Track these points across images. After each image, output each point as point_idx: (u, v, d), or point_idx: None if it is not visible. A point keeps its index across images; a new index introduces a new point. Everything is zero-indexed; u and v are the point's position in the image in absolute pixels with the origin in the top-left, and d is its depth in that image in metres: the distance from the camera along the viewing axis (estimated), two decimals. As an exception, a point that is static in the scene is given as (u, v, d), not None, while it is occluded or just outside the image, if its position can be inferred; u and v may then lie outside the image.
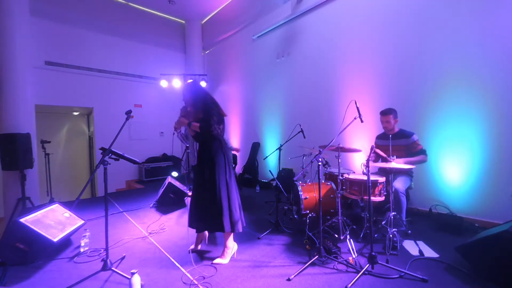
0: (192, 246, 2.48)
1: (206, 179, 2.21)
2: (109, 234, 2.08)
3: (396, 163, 2.33)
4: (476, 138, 2.92)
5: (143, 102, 6.75)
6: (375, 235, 2.54)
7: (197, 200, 2.28)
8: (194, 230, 2.46)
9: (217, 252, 2.40)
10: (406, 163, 2.54)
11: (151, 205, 4.11)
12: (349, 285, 1.80)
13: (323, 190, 2.84)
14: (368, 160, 2.05)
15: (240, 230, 2.23)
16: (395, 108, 2.93)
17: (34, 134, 4.59)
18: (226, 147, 2.31)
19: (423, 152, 2.76)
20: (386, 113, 2.87)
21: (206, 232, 2.58)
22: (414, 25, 3.38)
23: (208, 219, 2.22)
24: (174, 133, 2.62)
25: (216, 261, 2.21)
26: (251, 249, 2.49)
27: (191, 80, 2.43)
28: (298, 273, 1.99)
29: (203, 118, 2.19)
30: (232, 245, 2.31)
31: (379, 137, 3.10)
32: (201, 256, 2.37)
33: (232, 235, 2.30)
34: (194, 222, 2.31)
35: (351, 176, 2.65)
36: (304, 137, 3.44)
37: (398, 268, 1.94)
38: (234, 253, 2.33)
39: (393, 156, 2.38)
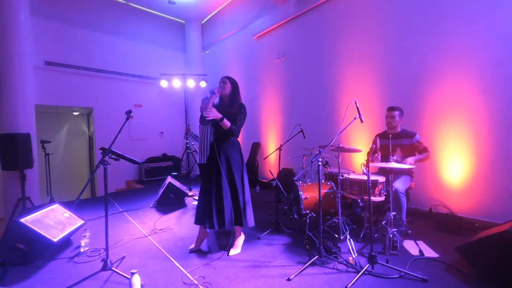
0: (192, 246, 2.48)
1: (234, 175, 2.32)
2: (109, 234, 2.08)
3: (397, 164, 2.33)
4: (476, 138, 2.92)
5: (143, 102, 6.75)
6: (375, 235, 2.54)
7: (219, 196, 2.30)
8: (195, 230, 2.47)
9: (218, 252, 2.40)
10: (415, 161, 2.64)
11: (151, 205, 4.12)
12: (349, 285, 1.80)
13: (323, 190, 2.84)
14: (368, 160, 2.05)
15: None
16: (396, 107, 2.93)
17: (34, 134, 4.58)
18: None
19: (426, 149, 2.79)
20: (394, 109, 2.92)
21: (207, 233, 2.57)
22: (415, 25, 3.38)
23: (236, 214, 2.32)
24: (188, 134, 2.73)
25: (232, 253, 2.37)
26: (251, 249, 2.48)
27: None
28: (298, 273, 1.99)
29: (234, 119, 2.34)
30: (241, 235, 2.55)
31: (379, 136, 3.09)
32: (201, 256, 2.36)
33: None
34: (216, 219, 2.29)
35: (351, 176, 2.65)
36: (304, 137, 3.44)
37: (398, 268, 1.94)
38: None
39: (393, 156, 2.38)
